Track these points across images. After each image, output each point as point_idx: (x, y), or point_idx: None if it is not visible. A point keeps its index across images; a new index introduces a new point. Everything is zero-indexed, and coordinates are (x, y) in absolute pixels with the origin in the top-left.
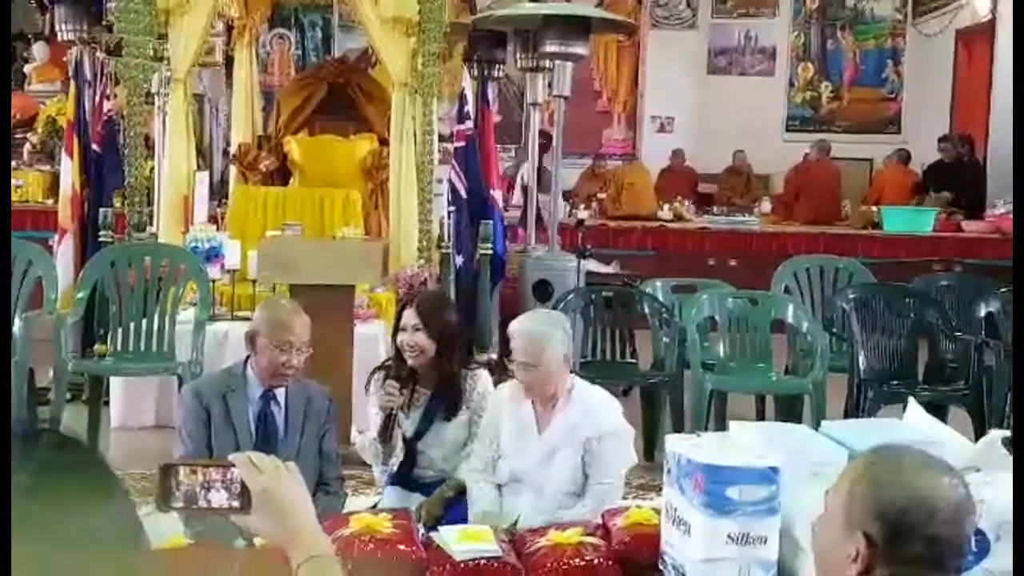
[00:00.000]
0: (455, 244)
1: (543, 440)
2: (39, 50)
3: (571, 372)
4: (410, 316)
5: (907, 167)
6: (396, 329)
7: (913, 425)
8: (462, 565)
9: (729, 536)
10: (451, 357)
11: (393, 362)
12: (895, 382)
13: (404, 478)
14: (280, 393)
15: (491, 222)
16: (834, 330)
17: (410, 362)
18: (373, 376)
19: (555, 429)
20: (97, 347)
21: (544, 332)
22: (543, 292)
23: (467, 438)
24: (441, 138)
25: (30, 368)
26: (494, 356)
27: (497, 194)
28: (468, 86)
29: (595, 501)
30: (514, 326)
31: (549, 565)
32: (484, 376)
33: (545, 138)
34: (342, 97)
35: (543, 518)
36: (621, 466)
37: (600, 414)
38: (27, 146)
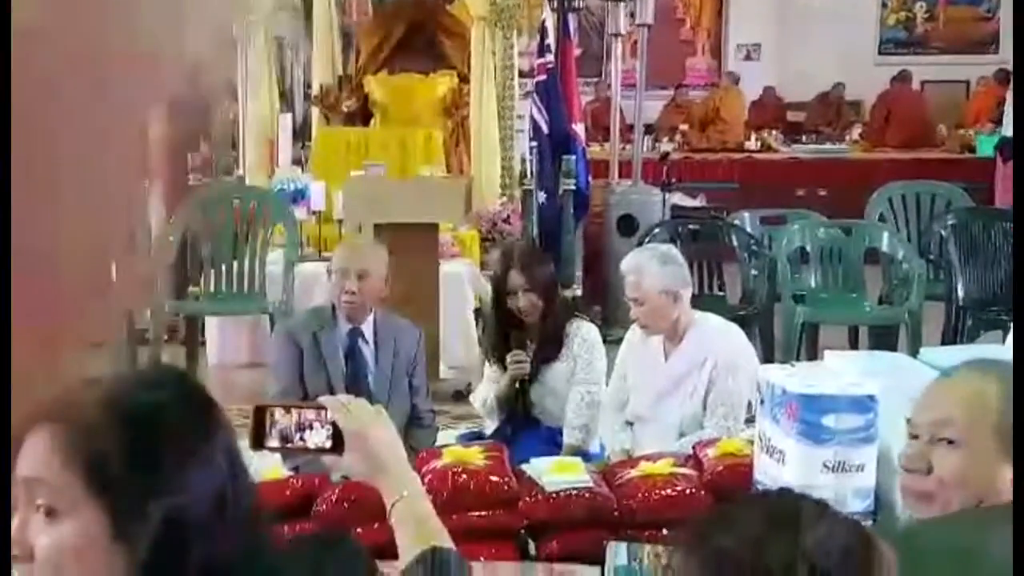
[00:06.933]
0: (537, 180)
1: (669, 367)
2: None
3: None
4: (516, 278)
5: (1006, 88)
6: (502, 294)
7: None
8: (553, 496)
9: (825, 464)
10: (555, 308)
11: (499, 325)
12: (995, 308)
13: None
14: (368, 329)
15: (573, 157)
16: (931, 257)
17: (528, 321)
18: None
19: (678, 359)
20: (191, 288)
21: (637, 266)
22: (628, 227)
23: (567, 384)
24: (521, 73)
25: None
26: (578, 292)
27: (579, 128)
28: (548, 18)
29: (717, 431)
30: (622, 264)
31: (640, 496)
32: (587, 327)
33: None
34: (421, 34)
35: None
36: (736, 396)
37: (719, 342)
38: None
